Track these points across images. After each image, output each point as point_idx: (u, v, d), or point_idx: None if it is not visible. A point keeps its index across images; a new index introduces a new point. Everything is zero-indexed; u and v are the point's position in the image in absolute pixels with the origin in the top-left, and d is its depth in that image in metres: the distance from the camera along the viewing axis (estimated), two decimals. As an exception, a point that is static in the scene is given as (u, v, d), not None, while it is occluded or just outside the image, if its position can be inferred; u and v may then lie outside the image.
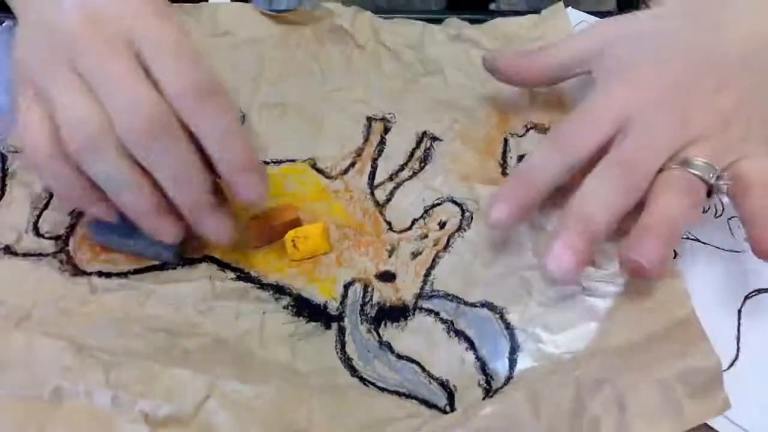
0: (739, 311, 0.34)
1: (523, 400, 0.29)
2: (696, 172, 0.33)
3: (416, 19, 0.50)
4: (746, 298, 0.35)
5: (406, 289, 0.35)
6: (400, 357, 0.32)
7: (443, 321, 0.33)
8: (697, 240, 0.38)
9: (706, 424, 0.30)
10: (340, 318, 0.34)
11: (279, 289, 0.35)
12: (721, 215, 0.39)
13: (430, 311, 0.34)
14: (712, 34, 0.37)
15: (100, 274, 0.35)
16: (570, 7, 0.51)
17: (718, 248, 0.37)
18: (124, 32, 0.31)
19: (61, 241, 0.37)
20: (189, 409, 0.29)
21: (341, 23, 0.48)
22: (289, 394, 0.30)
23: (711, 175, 0.33)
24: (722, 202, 0.40)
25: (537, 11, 0.50)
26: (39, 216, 0.38)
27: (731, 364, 0.32)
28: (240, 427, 0.29)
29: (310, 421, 0.30)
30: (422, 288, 0.35)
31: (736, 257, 0.37)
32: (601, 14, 0.51)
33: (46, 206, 0.38)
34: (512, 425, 0.28)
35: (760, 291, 0.35)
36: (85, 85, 0.30)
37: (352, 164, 0.41)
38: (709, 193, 0.34)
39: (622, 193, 0.33)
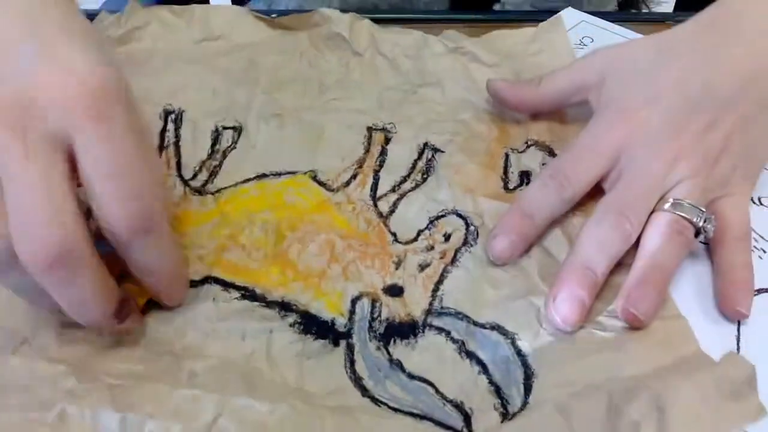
0: (739, 311, 0.34)
1: (553, 412, 0.28)
2: (685, 215, 0.35)
3: (419, 20, 0.50)
4: (746, 298, 0.35)
5: (414, 305, 0.34)
6: (412, 377, 0.31)
7: (454, 341, 0.32)
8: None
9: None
10: (348, 335, 0.33)
11: (285, 306, 0.34)
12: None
13: (440, 329, 0.33)
14: (709, 68, 0.37)
15: None
16: (570, 7, 0.51)
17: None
18: (58, 130, 0.26)
19: None
20: (201, 429, 0.29)
21: (339, 30, 0.48)
22: (302, 410, 0.29)
23: (699, 218, 0.35)
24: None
25: (541, 11, 0.50)
26: None
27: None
28: None
29: None
30: (431, 304, 0.34)
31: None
32: (603, 15, 0.51)
33: None
34: None
35: (760, 291, 0.35)
36: None
37: (354, 176, 0.40)
38: (697, 234, 0.35)
39: (619, 239, 0.34)
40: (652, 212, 0.35)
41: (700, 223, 0.35)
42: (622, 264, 0.35)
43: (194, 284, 0.35)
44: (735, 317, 0.34)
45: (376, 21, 0.49)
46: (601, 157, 0.37)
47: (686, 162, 0.36)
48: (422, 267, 0.36)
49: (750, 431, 0.29)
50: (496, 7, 0.60)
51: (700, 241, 0.37)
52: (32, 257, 0.26)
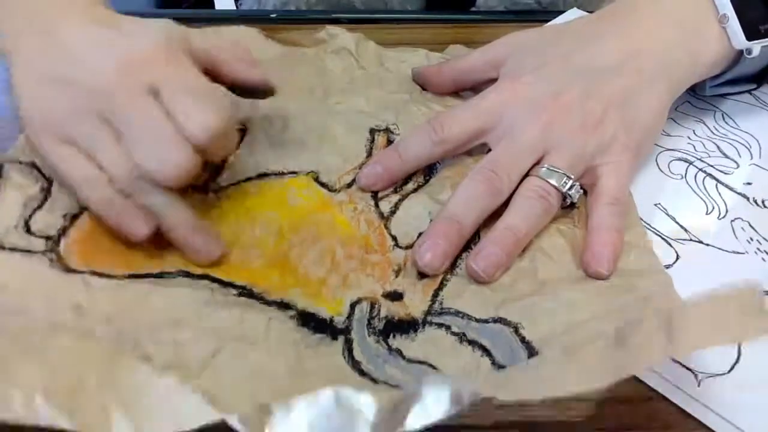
0: (741, 313, 0.34)
1: (559, 354, 0.28)
2: (551, 181, 0.37)
3: (396, 20, 0.51)
4: (748, 300, 0.35)
5: (414, 307, 0.34)
6: (411, 361, 0.31)
7: (454, 333, 0.32)
8: (700, 242, 0.38)
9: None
10: (346, 331, 0.32)
11: (284, 305, 0.33)
12: (724, 217, 0.39)
13: (440, 325, 0.33)
14: (593, 44, 0.41)
15: (92, 273, 0.33)
16: (575, 8, 0.52)
17: (721, 250, 0.38)
18: (145, 81, 0.33)
19: (52, 241, 0.35)
20: (198, 361, 0.28)
21: (345, 45, 0.49)
22: (298, 367, 0.29)
23: (564, 184, 0.37)
24: (725, 204, 0.40)
25: (517, 12, 0.52)
26: (31, 215, 0.36)
27: (732, 368, 0.32)
28: (252, 385, 0.28)
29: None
30: (431, 306, 0.34)
31: (739, 259, 0.37)
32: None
33: (39, 207, 0.36)
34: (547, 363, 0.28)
35: (765, 293, 0.35)
36: (114, 132, 0.33)
37: (356, 177, 0.40)
38: (565, 199, 0.38)
39: (488, 194, 0.37)
40: (526, 175, 0.38)
41: (564, 189, 0.37)
42: None
43: (191, 276, 0.34)
44: (594, 276, 0.35)
45: (362, 21, 0.51)
46: (479, 113, 0.40)
47: (563, 125, 0.38)
48: (422, 275, 0.35)
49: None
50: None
51: (708, 245, 0.37)
52: (167, 172, 0.32)
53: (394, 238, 0.37)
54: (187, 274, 0.34)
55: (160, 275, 0.34)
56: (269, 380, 0.28)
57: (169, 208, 0.34)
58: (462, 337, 0.32)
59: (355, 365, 0.31)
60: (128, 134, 0.33)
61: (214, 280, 0.34)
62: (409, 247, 0.37)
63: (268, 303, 0.33)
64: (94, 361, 0.27)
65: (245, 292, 0.34)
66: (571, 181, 0.37)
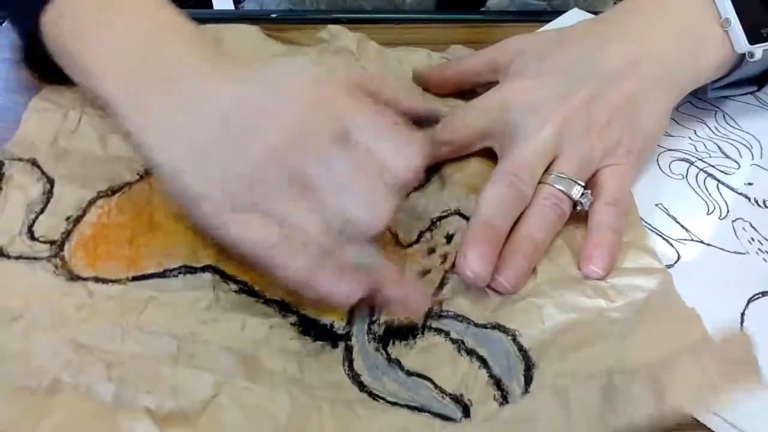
0: (742, 314, 0.34)
1: (550, 395, 0.29)
2: (563, 189, 0.37)
3: (406, 20, 0.51)
4: (750, 300, 0.35)
5: None
6: (410, 374, 0.31)
7: (453, 341, 0.32)
8: (702, 242, 0.38)
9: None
10: (347, 337, 0.32)
11: (284, 307, 0.33)
12: (725, 217, 0.39)
13: (439, 330, 0.33)
14: (598, 50, 0.41)
15: (96, 279, 0.34)
16: (576, 8, 0.52)
17: (722, 250, 0.38)
18: (333, 126, 0.30)
19: (56, 246, 0.35)
20: (197, 406, 0.28)
21: (346, 45, 0.49)
22: (300, 399, 0.29)
23: (575, 190, 0.37)
24: (726, 204, 0.40)
25: (526, 12, 0.52)
26: (34, 220, 0.36)
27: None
28: (251, 427, 0.28)
29: (323, 430, 0.28)
30: (431, 308, 0.34)
31: (740, 259, 0.37)
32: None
33: (42, 211, 0.36)
34: (539, 417, 0.28)
35: (764, 294, 0.35)
36: (303, 187, 0.30)
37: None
38: (575, 206, 0.38)
39: (514, 197, 0.36)
40: (539, 183, 0.38)
41: (576, 197, 0.37)
42: None
43: (193, 270, 0.34)
44: (590, 275, 0.35)
45: (362, 21, 0.51)
46: (483, 115, 0.40)
47: (570, 131, 0.38)
48: (423, 273, 0.35)
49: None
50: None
51: (709, 245, 0.37)
52: (379, 220, 0.30)
53: (395, 237, 0.37)
54: (191, 270, 0.34)
55: (163, 274, 0.34)
56: (269, 422, 0.28)
57: (378, 262, 0.32)
58: (461, 345, 0.32)
59: (355, 378, 0.31)
60: (328, 186, 0.30)
61: (216, 271, 0.34)
62: (410, 245, 0.37)
63: (268, 302, 0.34)
64: (96, 423, 0.28)
65: (245, 289, 0.34)
66: (581, 189, 0.37)
